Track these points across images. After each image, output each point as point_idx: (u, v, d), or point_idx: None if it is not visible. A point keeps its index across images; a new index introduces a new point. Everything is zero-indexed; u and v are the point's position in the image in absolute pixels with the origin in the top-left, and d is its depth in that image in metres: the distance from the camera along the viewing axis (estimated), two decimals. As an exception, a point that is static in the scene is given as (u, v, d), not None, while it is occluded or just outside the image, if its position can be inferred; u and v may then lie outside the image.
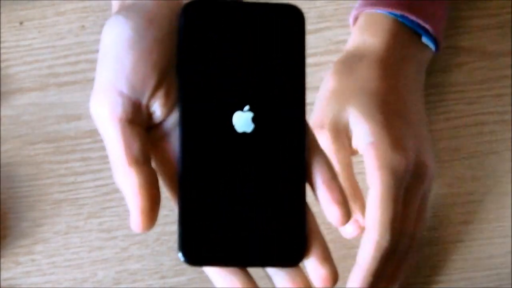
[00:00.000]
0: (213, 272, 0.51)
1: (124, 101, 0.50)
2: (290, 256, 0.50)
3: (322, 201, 0.51)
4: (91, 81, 0.76)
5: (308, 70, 0.52)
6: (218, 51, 0.51)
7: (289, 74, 0.52)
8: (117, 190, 0.73)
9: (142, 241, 0.73)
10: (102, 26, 0.78)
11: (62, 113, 0.76)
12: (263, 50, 0.51)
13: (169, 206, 0.52)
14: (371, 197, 0.66)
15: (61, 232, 0.73)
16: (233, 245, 0.50)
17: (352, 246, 0.70)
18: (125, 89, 0.50)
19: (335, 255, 0.68)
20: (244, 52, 0.51)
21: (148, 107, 0.51)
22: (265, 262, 0.51)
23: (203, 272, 0.73)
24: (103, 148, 0.74)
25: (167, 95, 0.51)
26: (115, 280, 0.72)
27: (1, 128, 0.75)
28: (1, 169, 0.74)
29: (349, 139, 0.69)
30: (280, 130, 0.51)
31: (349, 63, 0.71)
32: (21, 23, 0.78)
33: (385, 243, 0.65)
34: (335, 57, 0.75)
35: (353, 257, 0.67)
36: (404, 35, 0.71)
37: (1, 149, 0.75)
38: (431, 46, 0.72)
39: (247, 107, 0.51)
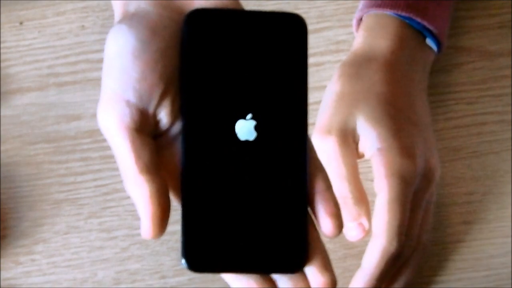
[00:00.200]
0: (227, 274, 0.51)
1: (132, 111, 0.50)
2: (291, 264, 0.51)
3: (315, 212, 0.51)
4: (91, 81, 0.77)
5: (308, 70, 0.53)
6: (221, 59, 0.51)
7: (292, 83, 0.52)
8: (117, 190, 0.74)
9: (142, 241, 0.73)
10: (102, 26, 0.78)
11: (62, 113, 0.76)
12: (265, 59, 0.52)
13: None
14: (379, 203, 0.66)
15: (61, 232, 0.73)
16: (235, 252, 0.50)
17: (352, 246, 0.70)
18: (132, 98, 0.50)
19: (335, 255, 0.68)
20: (247, 60, 0.51)
21: (155, 115, 0.51)
22: (266, 269, 0.51)
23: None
24: (103, 148, 0.75)
25: (173, 103, 0.51)
26: (115, 280, 0.72)
27: (1, 128, 0.75)
28: (1, 169, 0.74)
29: (356, 143, 0.69)
30: (283, 139, 0.51)
31: (356, 66, 0.70)
32: (21, 23, 0.78)
33: (392, 249, 0.65)
34: (335, 57, 0.75)
35: (353, 256, 0.67)
36: (410, 37, 0.71)
37: (1, 149, 0.75)
38: (434, 47, 0.72)
39: (249, 115, 0.51)
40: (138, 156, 0.50)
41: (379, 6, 0.71)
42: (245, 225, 0.50)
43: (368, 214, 0.69)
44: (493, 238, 0.73)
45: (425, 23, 0.70)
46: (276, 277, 0.51)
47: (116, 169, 0.73)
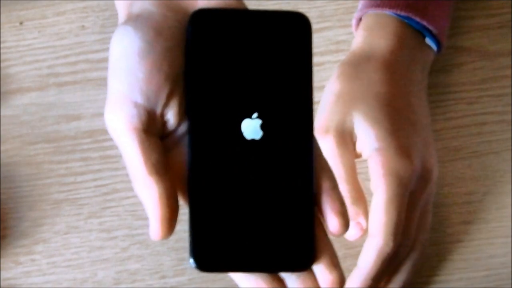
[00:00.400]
0: (235, 273, 0.51)
1: (139, 112, 0.50)
2: (299, 262, 0.51)
3: (322, 210, 0.51)
4: (91, 81, 0.77)
5: (313, 69, 0.53)
6: (226, 59, 0.51)
7: (296, 81, 0.52)
8: (117, 190, 0.74)
9: (142, 241, 0.73)
10: (102, 26, 0.78)
11: (62, 113, 0.76)
12: (270, 58, 0.52)
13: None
14: (376, 203, 0.66)
15: (61, 232, 0.73)
16: (243, 251, 0.50)
17: (352, 246, 0.70)
18: (139, 99, 0.50)
19: (335, 255, 0.68)
20: (252, 59, 0.52)
21: (162, 115, 0.51)
22: (275, 267, 0.51)
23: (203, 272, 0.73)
24: (103, 148, 0.75)
25: (180, 103, 0.51)
26: (115, 280, 0.72)
27: (1, 128, 0.75)
28: (1, 169, 0.74)
29: (353, 143, 0.69)
30: (289, 137, 0.51)
31: (355, 65, 0.71)
32: (21, 23, 0.78)
33: (388, 250, 0.65)
34: (335, 57, 0.75)
35: (353, 256, 0.67)
36: (410, 37, 0.71)
37: (1, 149, 0.75)
38: (434, 47, 0.72)
39: (255, 115, 0.51)
40: (146, 157, 0.50)
41: (378, 6, 0.71)
42: (252, 224, 0.50)
43: (366, 214, 0.69)
44: (492, 238, 0.73)
45: (425, 23, 0.70)
46: (285, 276, 0.51)
47: (116, 169, 0.74)
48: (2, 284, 0.72)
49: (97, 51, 0.77)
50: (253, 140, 0.51)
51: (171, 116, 0.51)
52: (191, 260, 0.50)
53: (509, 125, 0.75)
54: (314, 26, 0.76)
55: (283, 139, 0.51)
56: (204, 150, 0.51)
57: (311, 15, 0.77)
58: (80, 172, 0.74)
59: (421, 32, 0.71)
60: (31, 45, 0.77)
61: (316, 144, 0.53)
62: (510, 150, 0.74)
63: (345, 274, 0.67)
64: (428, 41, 0.72)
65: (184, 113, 0.51)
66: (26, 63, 0.77)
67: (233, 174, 0.51)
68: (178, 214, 0.51)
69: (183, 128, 0.52)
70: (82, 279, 0.72)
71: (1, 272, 0.72)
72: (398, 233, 0.65)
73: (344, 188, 0.68)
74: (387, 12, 0.71)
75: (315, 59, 0.76)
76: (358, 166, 0.70)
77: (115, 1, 0.54)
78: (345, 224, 0.51)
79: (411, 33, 0.71)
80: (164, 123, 0.51)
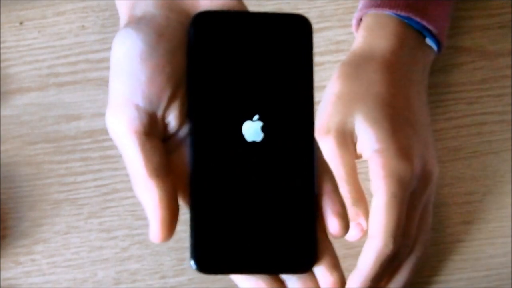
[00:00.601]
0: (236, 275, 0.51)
1: (141, 114, 0.50)
2: (300, 264, 0.51)
3: (323, 212, 0.51)
4: (91, 81, 0.77)
5: (314, 71, 0.53)
6: (228, 61, 0.51)
7: (298, 83, 0.52)
8: (117, 190, 0.74)
9: (142, 241, 0.73)
10: (102, 26, 0.78)
11: (62, 113, 0.76)
12: (271, 60, 0.52)
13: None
14: (376, 205, 0.66)
15: (61, 232, 0.73)
16: (244, 253, 0.50)
17: (352, 246, 0.70)
18: (141, 102, 0.50)
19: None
20: (253, 61, 0.52)
21: (163, 118, 0.51)
22: (275, 269, 0.51)
23: (203, 272, 0.73)
24: (103, 148, 0.75)
25: (181, 106, 0.51)
26: (115, 280, 0.72)
27: (1, 128, 0.75)
28: (1, 169, 0.74)
29: (354, 143, 0.69)
30: (290, 139, 0.51)
31: (355, 66, 0.70)
32: (21, 23, 0.78)
33: (387, 251, 0.65)
34: (335, 57, 0.75)
35: (353, 256, 0.67)
36: (410, 37, 0.71)
37: (1, 149, 0.75)
38: (434, 47, 0.72)
39: (256, 117, 0.51)
40: (147, 160, 0.50)
41: (378, 6, 0.71)
42: (253, 226, 0.50)
43: (366, 214, 0.69)
44: (492, 238, 0.73)
45: (425, 23, 0.70)
46: (285, 277, 0.51)
47: (116, 169, 0.74)
48: (2, 284, 0.72)
49: (97, 51, 0.77)
50: (254, 143, 0.51)
51: (172, 119, 0.51)
52: (192, 262, 0.50)
53: (509, 125, 0.75)
54: (314, 26, 0.76)
55: (284, 141, 0.51)
56: (205, 153, 0.50)
57: (311, 15, 0.77)
58: (80, 172, 0.74)
59: (421, 32, 0.71)
60: (31, 45, 0.77)
61: (317, 146, 0.53)
62: (510, 150, 0.74)
63: (345, 274, 0.67)
64: (428, 41, 0.72)
65: (186, 115, 0.51)
66: (26, 63, 0.77)
67: (234, 176, 0.51)
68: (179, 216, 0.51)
69: (185, 130, 0.52)
70: (82, 279, 0.72)
71: (1, 272, 0.72)
72: (398, 234, 0.65)
73: (344, 189, 0.68)
74: (387, 12, 0.71)
75: (315, 59, 0.76)
76: (358, 166, 0.70)
77: (116, 4, 0.54)
78: (345, 226, 0.51)
79: (411, 33, 0.71)
80: (165, 125, 0.51)
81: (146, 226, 0.51)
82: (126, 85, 0.50)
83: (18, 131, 0.75)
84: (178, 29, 0.51)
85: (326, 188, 0.51)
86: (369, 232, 0.66)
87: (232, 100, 0.51)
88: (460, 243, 0.73)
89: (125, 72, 0.50)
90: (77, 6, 0.78)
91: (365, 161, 0.68)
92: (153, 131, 0.50)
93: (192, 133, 0.51)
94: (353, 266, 0.66)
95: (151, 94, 0.50)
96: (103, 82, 0.76)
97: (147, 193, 0.50)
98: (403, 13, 0.70)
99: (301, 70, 0.52)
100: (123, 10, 0.53)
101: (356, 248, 0.68)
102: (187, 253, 0.71)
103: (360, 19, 0.73)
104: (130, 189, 0.52)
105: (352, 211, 0.68)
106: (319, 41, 0.77)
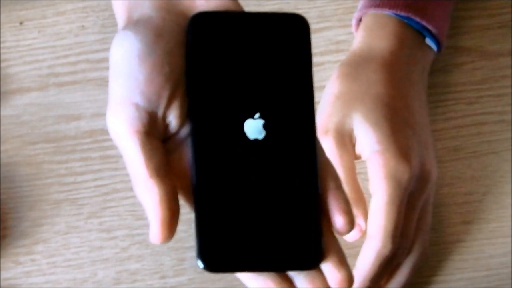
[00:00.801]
0: (244, 274, 0.51)
1: (140, 114, 0.50)
2: (307, 261, 0.51)
3: (327, 209, 0.51)
4: (91, 81, 0.77)
5: (313, 69, 0.53)
6: (226, 61, 0.51)
7: (297, 81, 0.52)
8: (117, 190, 0.74)
9: (142, 241, 0.73)
10: (102, 26, 0.78)
11: (62, 113, 0.76)
12: (270, 59, 0.52)
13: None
14: (374, 205, 0.66)
15: (61, 232, 0.73)
16: (251, 251, 0.50)
17: (352, 246, 0.70)
18: (140, 101, 0.50)
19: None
20: (252, 61, 0.52)
21: (164, 118, 0.51)
22: (283, 267, 0.51)
23: (203, 272, 0.73)
24: (103, 148, 0.75)
25: (182, 106, 0.51)
26: (115, 280, 0.72)
27: (1, 128, 0.75)
28: (1, 169, 0.74)
29: (353, 144, 0.69)
30: (292, 136, 0.51)
31: (355, 66, 0.70)
32: (21, 23, 0.78)
33: (386, 252, 0.65)
34: (335, 57, 0.75)
35: (353, 256, 0.67)
36: (410, 38, 0.71)
37: (1, 149, 0.75)
38: (434, 47, 0.72)
39: (257, 115, 0.51)
40: (148, 160, 0.50)
41: (378, 6, 0.71)
42: (259, 224, 0.50)
43: (365, 215, 0.69)
44: (493, 238, 0.73)
45: (424, 23, 0.70)
46: (293, 275, 0.51)
47: (116, 169, 0.74)
48: (2, 284, 0.72)
49: (97, 51, 0.77)
50: (256, 140, 0.51)
51: (172, 118, 0.51)
52: (199, 262, 0.49)
53: (509, 125, 0.75)
54: (314, 26, 0.76)
55: (286, 139, 0.51)
56: (208, 151, 0.50)
57: (311, 15, 0.77)
58: (80, 172, 0.74)
59: (421, 32, 0.71)
60: (31, 45, 0.77)
61: (319, 143, 0.53)
62: (510, 150, 0.74)
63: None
64: (428, 41, 0.72)
65: (186, 115, 0.51)
66: (26, 63, 0.77)
67: (238, 174, 0.50)
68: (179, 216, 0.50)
69: (185, 130, 0.51)
70: (82, 279, 0.72)
71: (1, 272, 0.72)
72: (396, 235, 0.65)
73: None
74: (387, 12, 0.71)
75: (315, 59, 0.76)
76: (357, 166, 0.70)
77: (114, 8, 0.54)
78: (350, 223, 0.51)
79: (411, 33, 0.71)
80: (166, 125, 0.51)
81: (146, 226, 0.51)
82: (125, 85, 0.50)
83: (18, 131, 0.75)
84: (175, 30, 0.51)
85: (330, 185, 0.51)
86: (368, 232, 0.66)
87: (232, 99, 0.51)
88: (460, 243, 0.73)
89: (124, 72, 0.50)
90: (77, 6, 0.78)
91: (364, 161, 0.68)
92: (154, 131, 0.50)
93: (194, 132, 0.51)
94: (352, 266, 0.66)
95: (150, 93, 0.50)
96: (103, 82, 0.76)
97: (148, 193, 0.50)
98: (402, 13, 0.70)
99: (300, 68, 0.52)
100: (121, 14, 0.53)
101: (356, 248, 0.68)
102: (187, 253, 0.71)
103: (360, 19, 0.73)
104: (130, 189, 0.52)
105: None
106: (319, 41, 0.77)
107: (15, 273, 0.72)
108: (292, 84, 0.52)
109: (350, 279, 0.51)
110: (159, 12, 0.51)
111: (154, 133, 0.50)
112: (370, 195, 0.67)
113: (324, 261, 0.51)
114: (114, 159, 0.74)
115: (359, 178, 0.70)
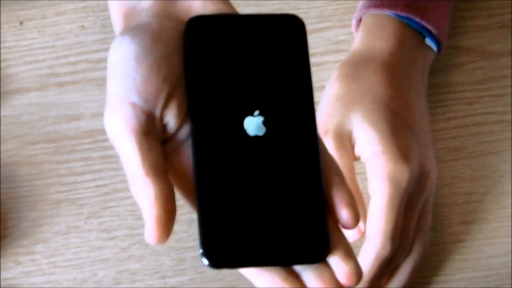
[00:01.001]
0: (250, 272, 0.50)
1: (137, 113, 0.50)
2: (314, 254, 0.50)
3: (332, 204, 0.51)
4: (91, 81, 0.77)
5: (311, 68, 0.53)
6: (224, 63, 0.52)
7: (295, 79, 0.52)
8: (117, 190, 0.74)
9: (142, 241, 0.73)
10: (102, 26, 0.78)
11: (62, 113, 0.76)
12: (267, 59, 0.52)
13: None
14: (374, 206, 0.66)
15: (61, 232, 0.73)
16: (256, 246, 0.50)
17: (352, 246, 0.70)
18: (137, 100, 0.50)
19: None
20: (249, 62, 0.52)
21: (161, 118, 0.51)
22: (289, 261, 0.50)
23: (203, 272, 0.74)
24: (103, 148, 0.75)
25: (180, 106, 0.51)
26: (115, 280, 0.72)
27: (1, 128, 0.75)
28: (1, 169, 0.74)
29: (352, 145, 0.69)
30: (293, 132, 0.52)
31: (354, 66, 0.70)
32: (21, 23, 0.78)
33: (385, 253, 0.65)
34: (335, 57, 0.75)
35: (353, 257, 0.67)
36: (410, 38, 0.71)
37: (1, 149, 0.75)
38: (434, 47, 0.72)
39: (257, 112, 0.51)
40: (144, 158, 0.50)
41: (377, 6, 0.71)
42: (263, 218, 0.50)
43: (364, 216, 0.69)
44: (493, 238, 0.73)
45: (424, 23, 0.70)
46: (300, 269, 0.50)
47: (116, 169, 0.74)
48: (2, 284, 0.72)
49: (97, 51, 0.77)
50: (257, 137, 0.51)
51: (170, 119, 0.51)
52: (203, 258, 0.49)
53: (509, 125, 0.75)
54: (314, 26, 0.76)
55: (287, 135, 0.51)
56: (210, 149, 0.51)
57: (311, 15, 0.77)
58: (80, 172, 0.74)
59: (420, 33, 0.71)
60: (31, 45, 0.77)
61: (321, 139, 0.53)
62: (510, 150, 0.74)
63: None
64: (428, 41, 0.72)
65: (184, 116, 0.51)
66: (26, 63, 0.77)
67: (241, 170, 0.51)
68: (176, 216, 0.50)
69: (184, 131, 0.51)
70: (82, 279, 0.72)
71: (1, 272, 0.72)
72: (395, 236, 0.65)
73: None
74: (387, 12, 0.71)
75: (315, 59, 0.76)
76: (356, 166, 0.70)
77: (111, 15, 0.55)
78: (355, 216, 0.51)
79: (410, 33, 0.71)
80: (164, 125, 0.51)
81: (146, 226, 0.51)
82: (122, 85, 0.50)
83: (18, 131, 0.75)
84: (173, 35, 0.52)
85: (334, 180, 0.51)
86: (367, 233, 0.66)
87: (231, 99, 0.51)
88: (460, 243, 0.73)
89: (121, 74, 0.50)
90: (77, 6, 0.78)
91: (363, 161, 0.68)
92: (151, 131, 0.50)
93: (194, 131, 0.51)
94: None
95: (147, 93, 0.50)
96: (103, 82, 0.76)
97: (143, 191, 0.49)
98: (402, 13, 0.70)
99: (297, 67, 0.52)
100: (118, 21, 0.54)
101: (355, 249, 0.67)
102: (187, 253, 0.71)
103: (360, 19, 0.73)
104: (130, 189, 0.52)
105: None
106: (319, 41, 0.77)
107: (15, 273, 0.72)
108: (290, 82, 0.52)
109: (358, 272, 0.50)
110: (157, 18, 0.52)
111: (152, 133, 0.50)
112: (369, 196, 0.67)
113: (331, 254, 0.50)
114: (114, 159, 0.74)
115: (358, 178, 0.70)
